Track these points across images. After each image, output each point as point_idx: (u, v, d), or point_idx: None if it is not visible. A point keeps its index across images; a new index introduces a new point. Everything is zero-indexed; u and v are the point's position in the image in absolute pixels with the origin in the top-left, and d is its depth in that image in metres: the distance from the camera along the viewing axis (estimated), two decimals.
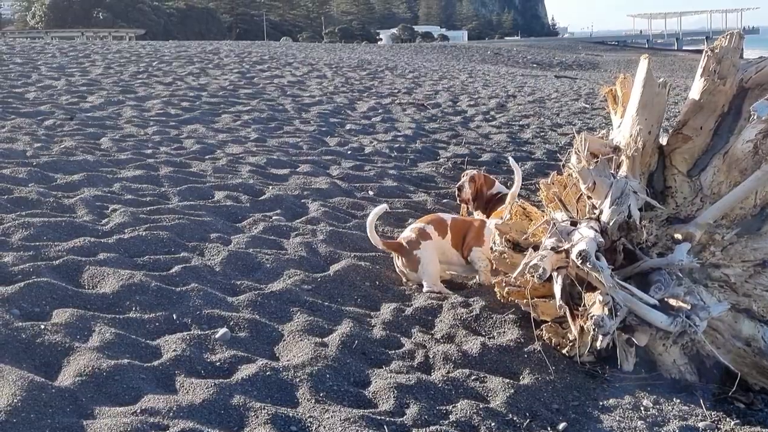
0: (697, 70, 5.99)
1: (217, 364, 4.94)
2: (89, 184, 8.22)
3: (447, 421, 4.71)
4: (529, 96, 22.86)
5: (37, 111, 12.84)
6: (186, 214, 7.44)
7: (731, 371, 5.45)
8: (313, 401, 4.64)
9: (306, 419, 4.43)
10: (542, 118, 17.44)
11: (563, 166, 6.43)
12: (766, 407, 5.64)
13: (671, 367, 5.76)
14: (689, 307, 5.15)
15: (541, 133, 15.03)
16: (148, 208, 7.53)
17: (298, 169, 9.90)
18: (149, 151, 10.16)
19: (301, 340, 5.38)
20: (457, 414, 4.79)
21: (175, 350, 4.96)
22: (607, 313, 4.87)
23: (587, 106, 20.83)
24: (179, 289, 5.81)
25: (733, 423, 5.32)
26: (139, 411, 4.24)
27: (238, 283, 6.21)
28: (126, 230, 6.85)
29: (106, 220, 7.20)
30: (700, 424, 5.17)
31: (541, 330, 5.82)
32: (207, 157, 10.12)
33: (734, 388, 5.42)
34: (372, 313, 6.15)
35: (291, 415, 4.45)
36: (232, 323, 5.48)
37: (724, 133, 5.84)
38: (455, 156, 12.01)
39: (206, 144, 11.02)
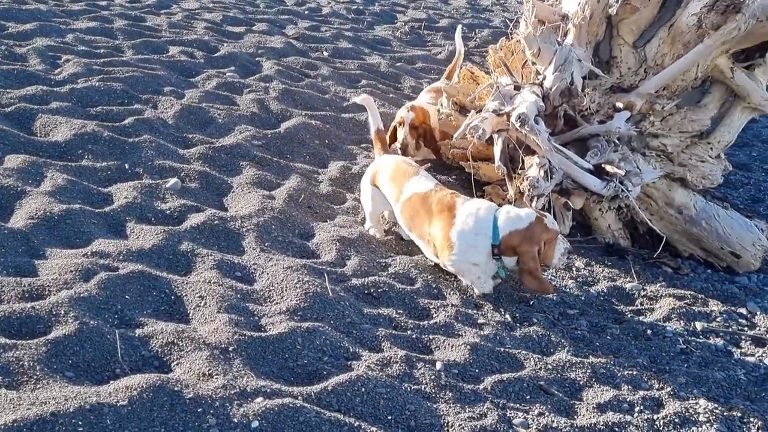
0: None
1: (167, 212, 5.08)
2: (42, 34, 8.11)
3: (386, 273, 4.94)
4: None
5: None
6: (140, 68, 7.42)
7: (663, 238, 5.71)
8: (258, 250, 4.82)
9: (251, 266, 4.62)
10: None
11: (511, 32, 6.50)
12: (691, 272, 5.94)
13: (606, 232, 6.01)
14: (623, 173, 5.34)
15: (501, 1, 14.92)
16: (102, 60, 7.49)
17: (253, 28, 9.83)
18: (103, 3, 9.98)
19: (249, 192, 5.53)
20: (395, 267, 5.02)
21: (126, 197, 5.10)
22: (542, 175, 5.04)
23: None
24: (132, 140, 5.88)
25: (658, 285, 5.62)
26: (90, 253, 4.40)
27: (190, 136, 6.29)
28: (79, 80, 6.84)
29: (58, 69, 7.17)
30: (628, 285, 5.46)
31: (483, 191, 6.01)
32: (162, 11, 9.99)
33: (659, 251, 5.69)
34: (320, 170, 6.30)
35: (237, 262, 4.64)
36: (183, 174, 5.60)
37: (671, 5, 5.89)
38: (413, 20, 11.95)
39: None
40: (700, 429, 3.83)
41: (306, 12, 11.31)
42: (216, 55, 8.38)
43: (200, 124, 6.56)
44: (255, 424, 3.23)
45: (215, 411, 3.26)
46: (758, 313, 5.39)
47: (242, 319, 4.02)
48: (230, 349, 3.72)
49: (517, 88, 5.57)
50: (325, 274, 4.61)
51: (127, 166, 5.57)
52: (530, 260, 4.54)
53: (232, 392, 3.39)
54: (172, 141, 6.13)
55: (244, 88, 7.51)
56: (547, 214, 4.74)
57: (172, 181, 5.41)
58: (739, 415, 4.02)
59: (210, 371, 3.53)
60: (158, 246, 4.59)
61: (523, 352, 4.32)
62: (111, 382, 3.39)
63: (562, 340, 4.60)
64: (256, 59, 8.49)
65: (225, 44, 8.78)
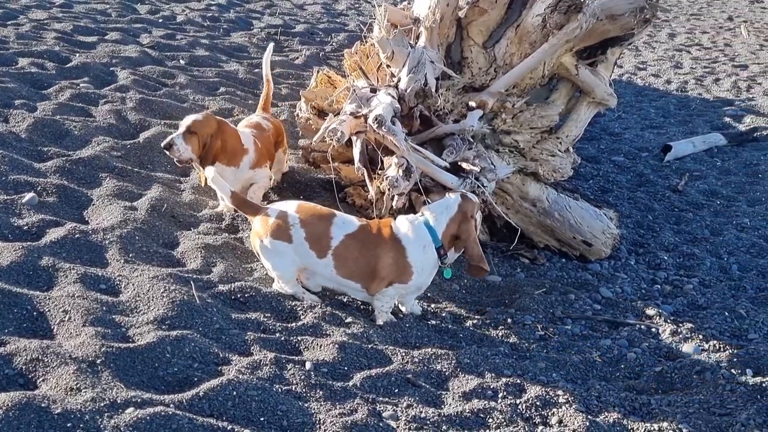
0: None
1: (25, 228, 4.97)
2: None
3: (252, 278, 4.99)
4: None
5: None
6: None
7: (519, 231, 5.94)
8: (123, 261, 4.78)
9: (116, 278, 4.58)
10: None
11: (365, 36, 6.63)
12: (547, 262, 6.21)
13: None
14: (479, 170, 5.52)
15: (356, 5, 15.11)
16: None
17: (106, 37, 9.64)
18: None
19: (110, 204, 5.46)
20: (261, 271, 5.07)
21: None
22: (401, 174, 5.16)
23: None
24: None
25: (517, 275, 5.85)
26: None
27: (46, 149, 6.15)
28: None
29: None
30: (489, 278, 5.66)
31: (344, 193, 6.11)
32: (9, 22, 9.68)
33: (516, 243, 5.93)
34: (182, 179, 6.27)
35: (101, 274, 4.58)
36: (39, 188, 5.48)
37: (518, 6, 6.13)
38: (269, 26, 11.98)
39: (7, 9, 10.50)
40: (560, 410, 4.02)
41: (160, 20, 11.18)
42: (68, 65, 8.20)
43: (55, 137, 6.42)
44: None
45: (85, 425, 3.24)
46: (610, 297, 5.68)
47: (109, 332, 3.99)
48: (98, 361, 3.69)
49: (374, 90, 5.68)
50: (192, 282, 4.61)
51: None
52: (471, 239, 4.74)
53: (102, 404, 3.37)
54: (26, 155, 5.98)
55: (99, 99, 7.39)
56: (466, 192, 4.98)
57: (29, 195, 5.28)
58: (596, 395, 4.25)
59: (78, 385, 3.50)
60: (17, 262, 4.48)
61: (391, 347, 4.44)
62: None
63: (428, 334, 4.75)
64: (111, 69, 8.35)
65: (77, 54, 8.60)
